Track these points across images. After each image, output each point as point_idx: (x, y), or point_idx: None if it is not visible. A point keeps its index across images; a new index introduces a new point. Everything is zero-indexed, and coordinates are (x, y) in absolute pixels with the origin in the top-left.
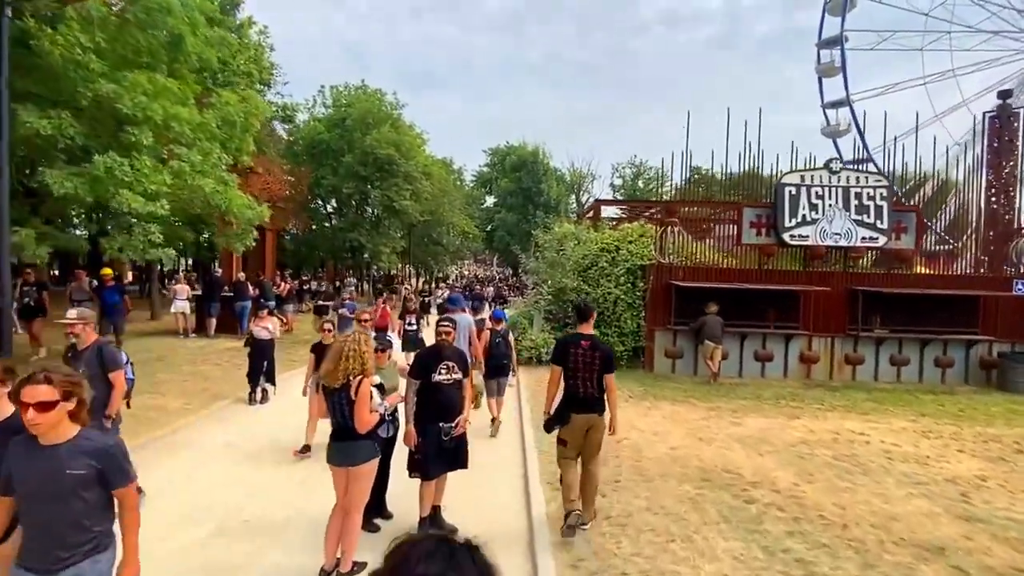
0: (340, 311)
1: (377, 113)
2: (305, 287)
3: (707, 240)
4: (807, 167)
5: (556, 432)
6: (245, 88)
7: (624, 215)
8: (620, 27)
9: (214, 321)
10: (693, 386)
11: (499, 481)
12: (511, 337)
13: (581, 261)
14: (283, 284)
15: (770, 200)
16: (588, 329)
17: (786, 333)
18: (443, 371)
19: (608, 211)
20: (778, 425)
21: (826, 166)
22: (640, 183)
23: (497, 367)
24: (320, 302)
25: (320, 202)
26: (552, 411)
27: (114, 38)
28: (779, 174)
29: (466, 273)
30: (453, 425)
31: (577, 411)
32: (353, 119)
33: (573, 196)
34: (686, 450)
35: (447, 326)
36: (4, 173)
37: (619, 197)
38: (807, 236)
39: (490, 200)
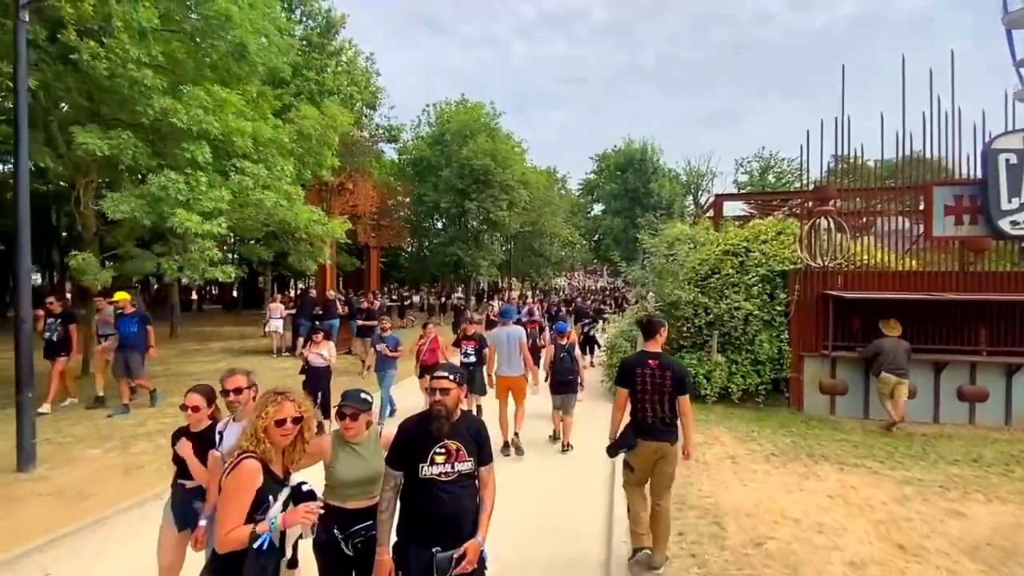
0: (377, 346)
1: (474, 125)
2: (406, 302)
3: (869, 238)
4: None
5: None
6: (331, 102)
7: (754, 212)
8: (739, 19)
9: (302, 340)
10: (866, 437)
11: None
12: (578, 352)
13: (698, 268)
14: (374, 300)
15: (975, 176)
16: (656, 347)
17: (1008, 362)
18: (439, 459)
19: (733, 209)
20: None
21: None
22: (771, 178)
23: (563, 383)
24: (361, 321)
25: (430, 219)
26: (617, 436)
27: (171, 51)
28: (987, 137)
29: (576, 284)
30: (453, 556)
31: (645, 437)
32: (451, 133)
33: (690, 197)
34: (880, 570)
35: (446, 378)
36: (22, 183)
37: None
38: None
39: (597, 208)
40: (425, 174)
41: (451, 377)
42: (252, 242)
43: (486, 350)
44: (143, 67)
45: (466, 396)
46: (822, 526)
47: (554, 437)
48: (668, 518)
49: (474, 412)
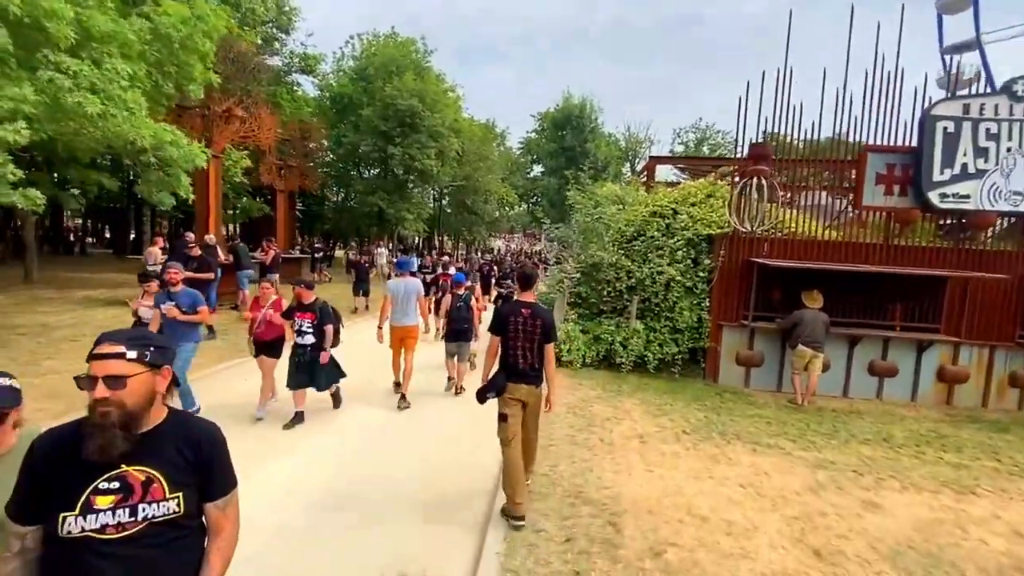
0: (162, 307)
1: (402, 61)
2: (317, 254)
3: (796, 211)
4: (974, 92)
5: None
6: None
7: (686, 178)
8: None
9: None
10: (779, 412)
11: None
12: (473, 302)
13: (624, 229)
14: (268, 250)
15: (910, 142)
16: (531, 297)
17: (919, 338)
18: (102, 501)
19: (667, 175)
20: (945, 511)
21: (1006, 89)
22: (705, 150)
23: (458, 331)
24: (192, 273)
25: (351, 164)
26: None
27: None
28: (927, 102)
29: (513, 247)
30: None
31: (515, 381)
32: (375, 67)
33: (628, 164)
34: None
35: (117, 356)
36: None
37: None
38: (968, 196)
39: (537, 169)
40: (345, 113)
41: (128, 355)
42: (88, 166)
43: (328, 327)
44: None
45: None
46: (731, 525)
47: (449, 382)
48: (535, 445)
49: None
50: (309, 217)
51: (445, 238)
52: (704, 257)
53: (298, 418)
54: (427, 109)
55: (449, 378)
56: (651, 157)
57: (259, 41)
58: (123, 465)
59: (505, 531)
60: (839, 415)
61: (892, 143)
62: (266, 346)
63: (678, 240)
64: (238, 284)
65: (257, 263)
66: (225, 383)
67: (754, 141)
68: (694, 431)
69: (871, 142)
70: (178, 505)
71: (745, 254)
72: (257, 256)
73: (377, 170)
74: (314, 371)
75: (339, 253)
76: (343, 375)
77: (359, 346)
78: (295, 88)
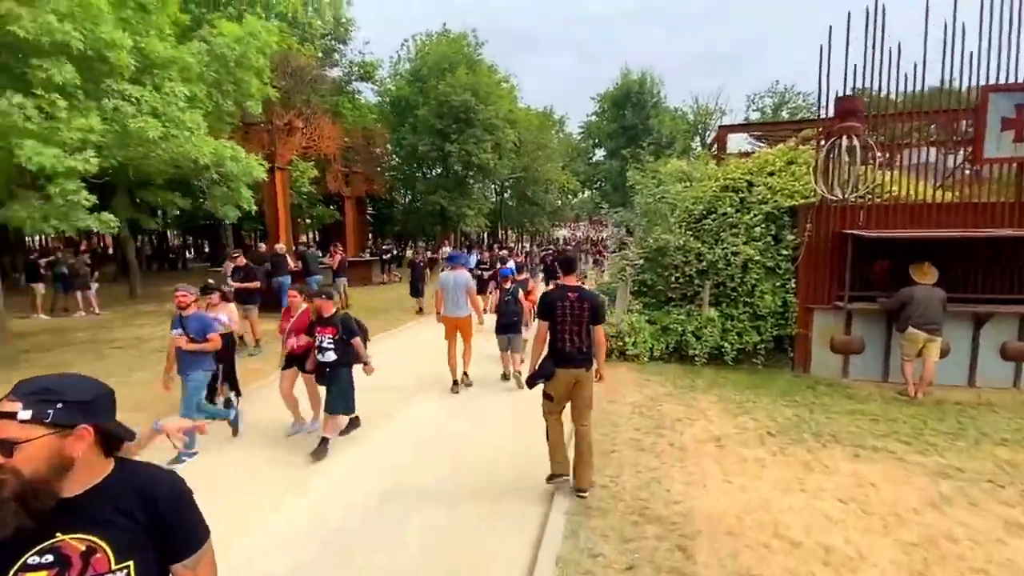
0: (174, 332)
1: (454, 57)
2: (386, 256)
3: (896, 171)
4: None
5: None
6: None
7: (762, 146)
8: None
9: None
10: (886, 407)
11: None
12: (521, 295)
13: (692, 208)
14: (335, 255)
15: None
16: (574, 281)
17: None
18: None
19: (740, 144)
20: None
21: None
22: (784, 115)
23: (507, 324)
24: (237, 283)
25: (413, 166)
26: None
27: None
28: None
29: (580, 236)
30: None
31: (563, 366)
32: (428, 67)
33: (697, 138)
34: None
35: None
36: None
37: None
38: None
39: (600, 153)
40: (404, 115)
41: (21, 415)
42: (162, 187)
43: (356, 340)
44: None
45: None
46: (830, 552)
47: (505, 376)
48: (590, 438)
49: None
50: (380, 220)
51: (508, 231)
52: (787, 233)
53: (323, 446)
54: (481, 102)
55: (504, 374)
56: (720, 127)
57: (319, 55)
58: (58, 533)
59: (556, 555)
60: (964, 409)
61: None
62: (299, 360)
63: (755, 215)
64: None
65: (325, 268)
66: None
67: (841, 95)
68: (782, 432)
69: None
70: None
71: (837, 226)
72: (325, 261)
73: (438, 169)
74: (330, 390)
75: (410, 253)
76: (349, 410)
77: (418, 346)
78: (357, 96)
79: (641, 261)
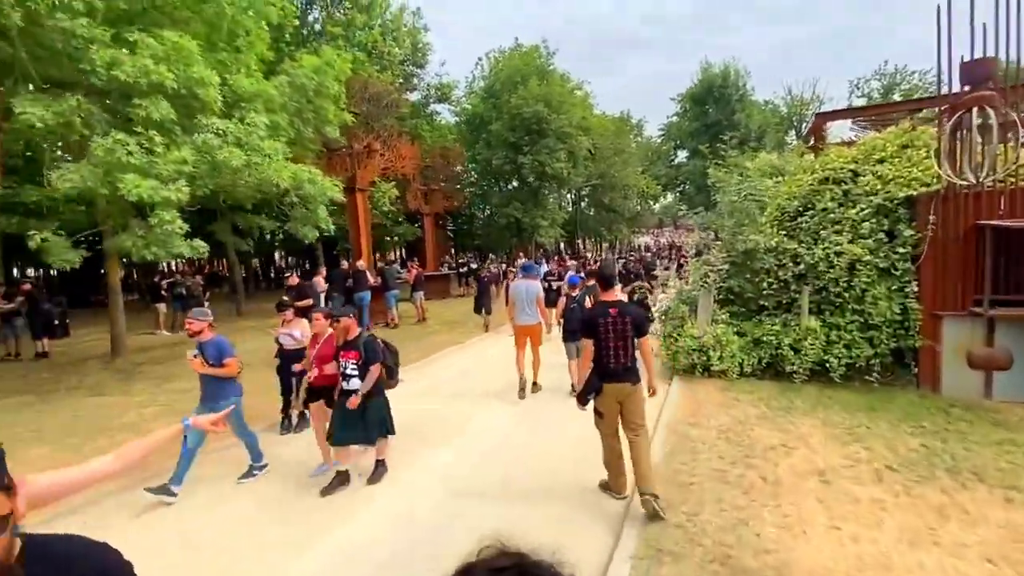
0: (190, 354)
1: (526, 70)
2: (463, 269)
3: None
4: None
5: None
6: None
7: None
8: None
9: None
10: None
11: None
12: (587, 302)
13: (785, 205)
14: (412, 270)
15: None
16: (614, 296)
17: None
18: None
19: (841, 132)
20: None
21: None
22: (896, 97)
23: (572, 331)
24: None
25: (488, 180)
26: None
27: None
28: None
29: (662, 243)
30: None
31: (609, 381)
32: (500, 82)
33: (792, 132)
34: None
35: None
36: None
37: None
38: None
39: (682, 155)
40: (479, 131)
41: None
42: (251, 212)
43: (375, 367)
44: (77, 15)
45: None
46: None
47: (573, 389)
48: (647, 449)
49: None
50: (461, 235)
51: (585, 240)
52: (904, 227)
53: (342, 479)
54: (553, 112)
55: (572, 386)
56: (817, 115)
57: (399, 81)
58: None
59: None
60: None
61: None
62: (321, 393)
63: (862, 209)
64: (386, 304)
65: (403, 282)
66: None
67: (968, 59)
68: (906, 466)
69: None
70: None
71: (970, 217)
72: (403, 276)
73: (514, 183)
74: (364, 420)
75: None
76: (390, 431)
77: (487, 360)
78: (436, 117)
79: (727, 266)
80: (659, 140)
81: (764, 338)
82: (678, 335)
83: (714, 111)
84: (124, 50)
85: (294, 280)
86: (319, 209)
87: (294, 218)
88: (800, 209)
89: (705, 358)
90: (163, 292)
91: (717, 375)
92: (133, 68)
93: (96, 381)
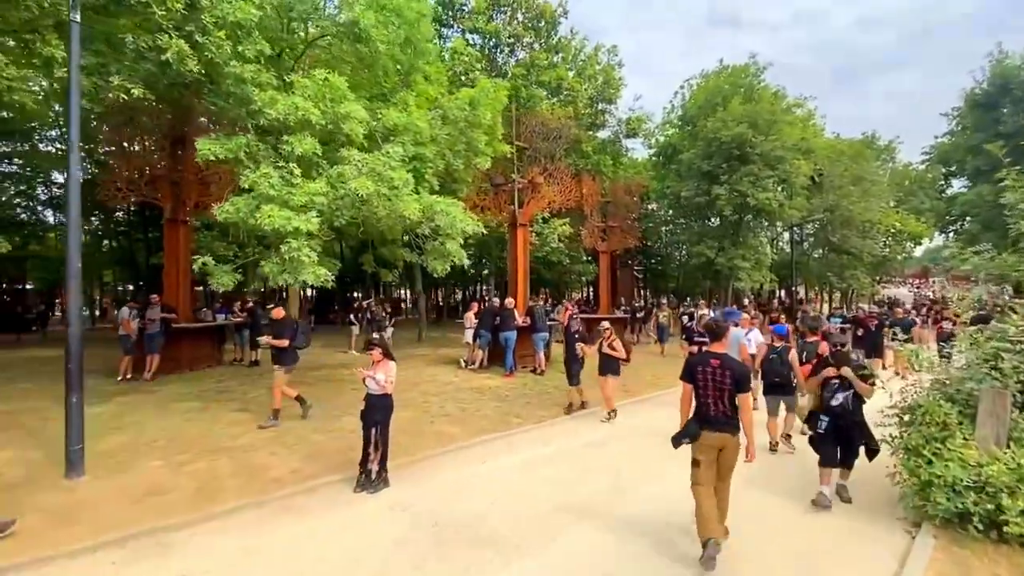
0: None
1: (728, 91)
2: (639, 312)
3: None
4: None
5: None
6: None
7: None
8: None
9: (480, 352)
10: None
11: None
12: (792, 356)
13: None
14: (567, 311)
15: None
16: (721, 348)
17: None
18: None
19: None
20: None
21: None
22: None
23: (770, 385)
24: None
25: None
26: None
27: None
28: None
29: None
30: None
31: (707, 428)
32: (698, 107)
33: None
34: None
35: None
36: (73, 200)
37: None
38: None
39: (958, 185)
40: (668, 162)
41: None
42: (397, 244)
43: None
44: (245, 62)
45: None
46: None
47: (771, 446)
48: (726, 495)
49: None
50: (655, 276)
51: (807, 288)
52: None
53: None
54: (760, 134)
55: (771, 442)
56: None
57: (587, 116)
58: None
59: None
60: None
61: None
62: None
63: None
64: (533, 346)
65: (555, 324)
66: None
67: None
68: None
69: None
70: None
71: None
72: (556, 318)
73: (714, 219)
74: None
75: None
76: None
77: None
78: (627, 152)
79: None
80: (924, 166)
81: None
82: (935, 454)
83: (1012, 117)
84: (281, 91)
85: (280, 313)
86: (448, 242)
87: (427, 251)
88: None
89: (992, 505)
90: (353, 317)
91: (1016, 541)
92: (284, 106)
93: (255, 395)
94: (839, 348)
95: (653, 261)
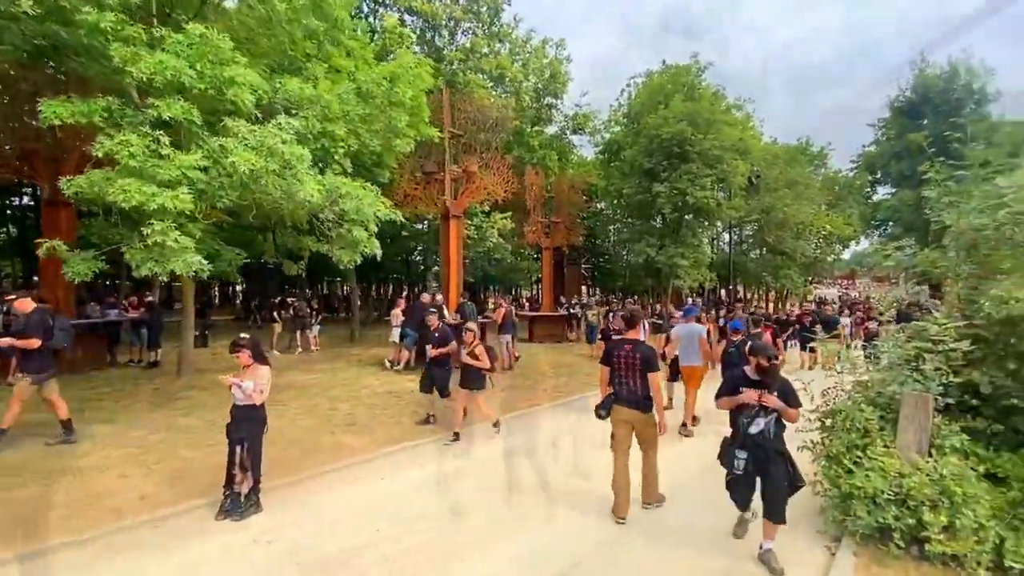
0: None
1: (668, 90)
2: (572, 308)
3: None
4: None
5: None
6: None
7: None
8: None
9: (406, 352)
10: None
11: None
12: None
13: None
14: (501, 308)
15: None
16: (636, 335)
17: None
18: None
19: None
20: None
21: None
22: None
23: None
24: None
25: (623, 210)
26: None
27: None
28: None
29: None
30: None
31: (619, 403)
32: (640, 104)
33: None
34: None
35: None
36: None
37: None
38: None
39: (883, 192)
40: (612, 159)
41: None
42: (302, 231)
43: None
44: (104, 9)
45: None
46: None
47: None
48: (653, 463)
49: None
50: (603, 274)
51: (745, 287)
52: None
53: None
54: (699, 132)
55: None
56: None
57: (533, 106)
58: None
59: None
60: None
61: None
62: None
63: None
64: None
65: (490, 322)
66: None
67: None
68: None
69: None
70: None
71: None
72: (490, 316)
73: (655, 218)
74: None
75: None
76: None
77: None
78: (574, 148)
79: (963, 344)
80: (852, 173)
81: None
82: (855, 463)
83: (933, 124)
84: (145, 47)
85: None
86: (355, 229)
87: (331, 239)
88: None
89: (913, 520)
90: (275, 313)
91: (939, 560)
92: (149, 64)
93: (146, 403)
94: (752, 335)
95: (601, 260)
